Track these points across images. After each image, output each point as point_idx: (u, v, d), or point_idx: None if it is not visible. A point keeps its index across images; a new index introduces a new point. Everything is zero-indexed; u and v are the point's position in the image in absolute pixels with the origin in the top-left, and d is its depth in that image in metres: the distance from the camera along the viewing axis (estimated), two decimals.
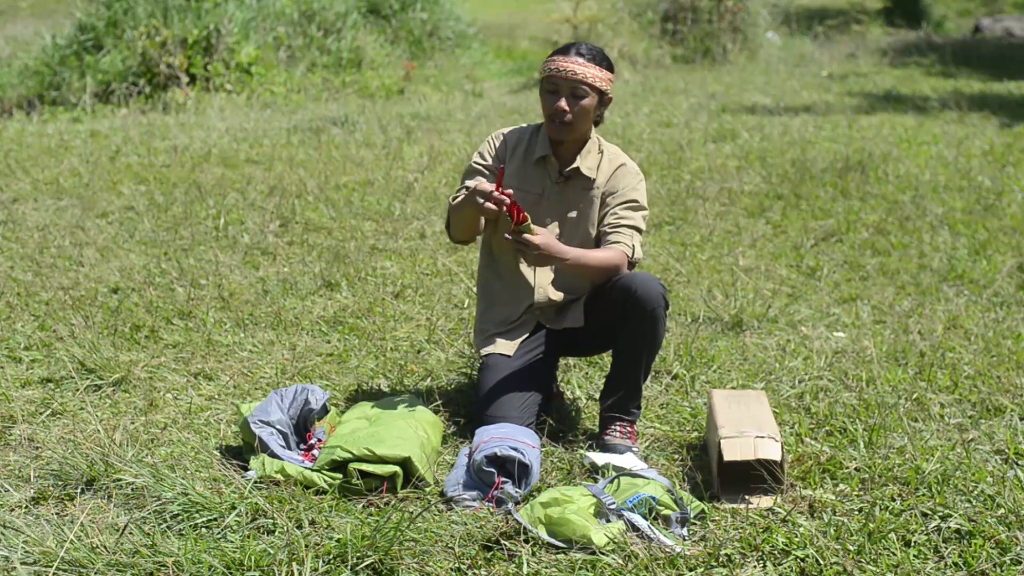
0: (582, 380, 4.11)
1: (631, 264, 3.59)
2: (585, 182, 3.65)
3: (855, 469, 3.32)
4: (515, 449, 3.17)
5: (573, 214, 3.65)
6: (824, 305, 5.10)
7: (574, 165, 3.64)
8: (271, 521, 2.92)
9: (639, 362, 3.52)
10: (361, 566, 2.71)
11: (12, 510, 3.00)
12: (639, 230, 3.63)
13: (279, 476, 3.17)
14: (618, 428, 3.53)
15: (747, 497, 3.16)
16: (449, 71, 13.84)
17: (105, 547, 2.73)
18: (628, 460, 3.37)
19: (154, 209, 6.53)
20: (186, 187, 7.07)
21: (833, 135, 9.32)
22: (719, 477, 3.22)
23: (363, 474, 3.14)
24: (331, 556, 2.74)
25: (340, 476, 3.17)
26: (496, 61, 15.81)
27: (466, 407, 3.78)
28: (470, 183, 3.64)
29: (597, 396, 3.82)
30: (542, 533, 2.85)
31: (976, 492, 3.13)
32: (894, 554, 2.83)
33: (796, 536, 2.89)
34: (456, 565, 2.77)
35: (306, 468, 3.20)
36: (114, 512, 2.97)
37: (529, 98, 11.85)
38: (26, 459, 3.33)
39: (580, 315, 3.67)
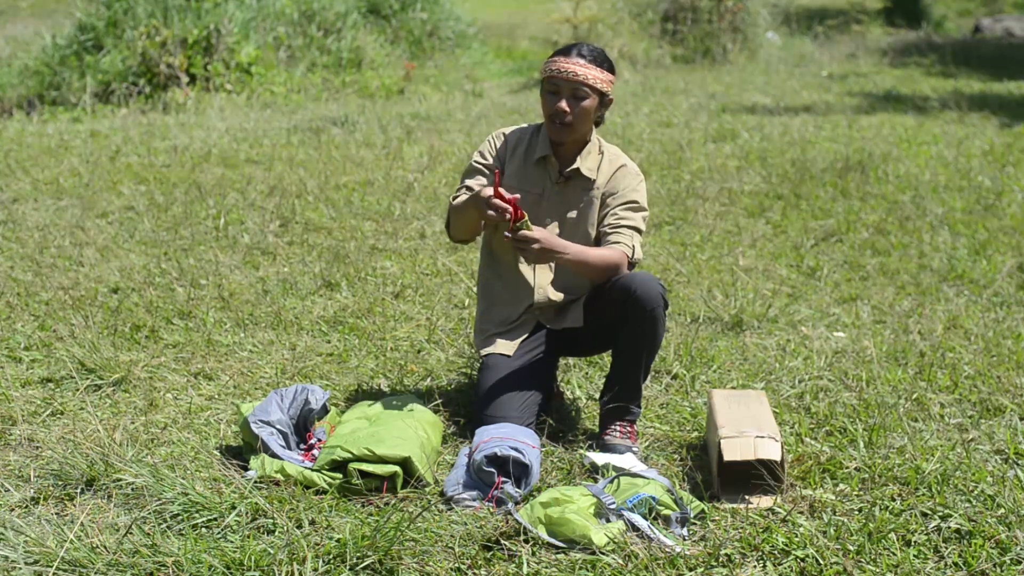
0: (582, 380, 4.12)
1: (631, 264, 3.59)
2: (585, 183, 3.65)
3: (855, 469, 3.32)
4: (515, 449, 3.17)
5: (573, 214, 3.65)
6: (824, 305, 5.10)
7: (574, 166, 3.64)
8: (271, 521, 2.92)
9: (639, 362, 3.52)
10: (361, 566, 2.71)
11: (12, 510, 3.00)
12: (639, 231, 3.63)
13: (279, 476, 3.17)
14: (618, 428, 3.53)
15: (747, 497, 3.16)
16: (449, 71, 13.84)
17: (105, 547, 2.73)
18: (628, 460, 3.37)
19: (154, 209, 6.53)
20: (186, 187, 7.07)
21: (833, 135, 9.32)
22: (719, 477, 3.22)
23: (363, 474, 3.14)
24: (331, 556, 2.74)
25: (340, 476, 3.17)
26: (496, 61, 15.81)
27: (466, 407, 3.78)
28: (470, 183, 3.64)
29: (597, 396, 3.82)
30: (542, 533, 2.85)
31: (976, 492, 3.13)
32: (894, 554, 2.83)
33: (796, 536, 2.89)
34: (456, 565, 2.77)
35: (306, 468, 3.20)
36: (114, 512, 2.97)
37: (529, 98, 11.85)
38: (26, 459, 3.33)
39: (580, 315, 3.67)
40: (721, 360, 4.31)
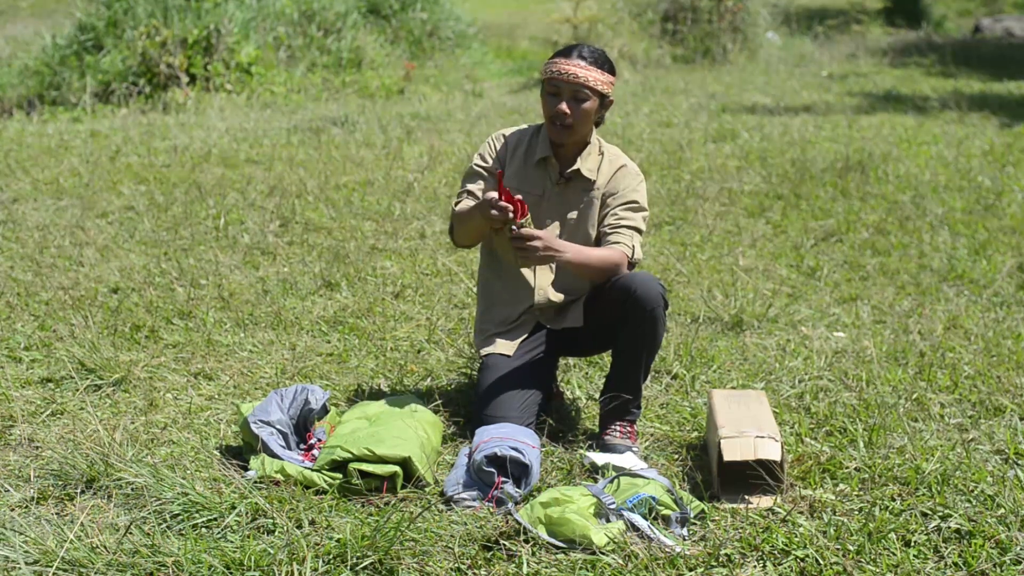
0: (582, 380, 4.12)
1: (631, 264, 3.59)
2: (585, 183, 3.65)
3: (855, 469, 3.32)
4: (515, 449, 3.17)
5: (573, 215, 3.65)
6: (824, 305, 5.10)
7: (575, 167, 3.64)
8: (271, 521, 2.92)
9: (639, 362, 3.52)
10: (361, 566, 2.71)
11: (12, 510, 3.00)
12: (639, 231, 3.63)
13: (279, 476, 3.17)
14: (618, 428, 3.53)
15: (747, 497, 3.16)
16: (449, 71, 13.84)
17: (105, 547, 2.73)
18: (628, 460, 3.37)
19: (154, 209, 6.53)
20: (186, 187, 7.07)
21: (833, 135, 9.32)
22: (719, 477, 3.22)
23: (363, 474, 3.14)
24: (331, 556, 2.74)
25: (340, 476, 3.17)
26: (496, 61, 15.81)
27: (466, 407, 3.78)
28: (471, 187, 3.64)
29: (597, 396, 3.82)
30: (542, 533, 2.85)
31: (976, 492, 3.13)
32: (894, 554, 2.83)
33: (796, 536, 2.89)
34: (456, 565, 2.77)
35: (306, 468, 3.20)
36: (114, 512, 2.97)
37: (529, 98, 11.85)
38: (26, 459, 3.33)
39: (580, 315, 3.67)
40: (721, 360, 4.31)
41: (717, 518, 3.06)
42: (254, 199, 6.77)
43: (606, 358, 4.13)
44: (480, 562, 2.77)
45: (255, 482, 3.12)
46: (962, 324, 4.81)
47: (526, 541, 2.84)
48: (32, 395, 3.83)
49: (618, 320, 3.51)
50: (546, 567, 2.77)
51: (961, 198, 7.11)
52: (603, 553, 2.79)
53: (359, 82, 12.50)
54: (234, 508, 2.95)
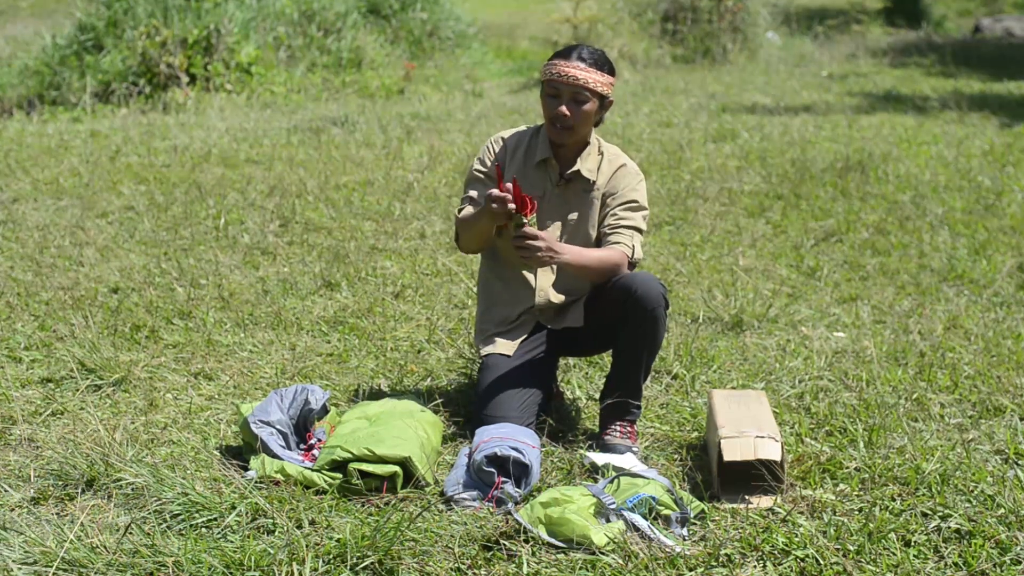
0: (582, 380, 4.11)
1: (632, 264, 3.58)
2: (585, 184, 3.65)
3: (855, 469, 3.32)
4: (515, 449, 3.17)
5: (574, 216, 3.65)
6: (824, 305, 5.10)
7: (575, 168, 3.64)
8: (271, 521, 2.92)
9: (639, 362, 3.52)
10: (361, 566, 2.71)
11: (12, 510, 3.00)
12: (639, 230, 3.63)
13: (279, 476, 3.17)
14: (618, 428, 3.53)
15: (747, 497, 3.16)
16: (449, 71, 13.84)
17: (105, 547, 2.73)
18: (628, 460, 3.37)
19: (154, 209, 6.53)
20: (186, 187, 7.07)
21: (833, 135, 9.32)
22: (719, 477, 3.22)
23: (363, 474, 3.14)
24: (331, 556, 2.74)
25: (340, 476, 3.17)
26: (496, 61, 15.80)
27: (466, 407, 3.78)
28: (473, 193, 3.64)
29: (597, 396, 3.82)
30: (542, 533, 2.85)
31: (976, 492, 3.13)
32: (894, 554, 2.83)
33: (796, 536, 2.89)
34: (456, 565, 2.77)
35: (306, 468, 3.20)
36: (114, 512, 2.97)
37: (529, 98, 11.85)
38: (26, 459, 3.33)
39: (580, 315, 3.67)
40: (721, 360, 4.31)
41: (717, 518, 3.06)
42: (254, 199, 6.77)
43: (606, 358, 4.13)
44: (480, 562, 2.77)
45: (255, 482, 3.12)
46: (962, 324, 4.81)
47: (526, 541, 2.84)
48: (32, 395, 3.83)
49: (619, 320, 3.51)
50: (546, 567, 2.77)
51: (961, 198, 7.11)
52: (603, 553, 2.79)
53: (359, 82, 12.50)
54: (234, 508, 2.95)
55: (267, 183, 7.18)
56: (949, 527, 2.96)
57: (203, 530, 2.89)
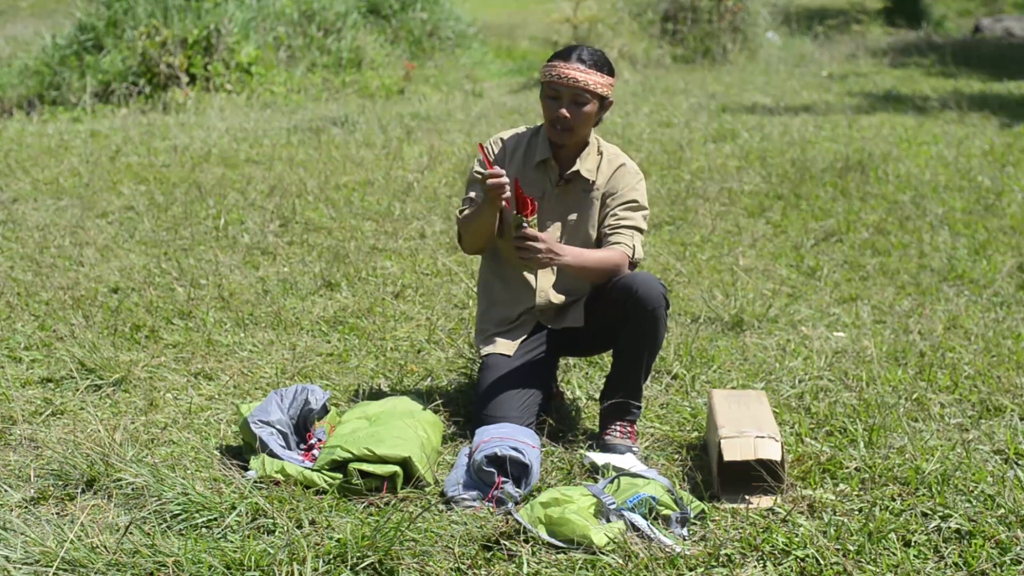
0: (582, 380, 4.11)
1: (632, 264, 3.58)
2: (585, 184, 3.65)
3: (855, 469, 3.32)
4: (515, 449, 3.17)
5: (573, 217, 3.65)
6: (824, 305, 5.10)
7: (574, 168, 3.64)
8: (271, 521, 2.92)
9: (639, 362, 3.52)
10: (361, 566, 2.71)
11: (12, 510, 3.00)
12: (640, 230, 3.63)
13: (279, 476, 3.17)
14: (618, 428, 3.53)
15: (747, 497, 3.16)
16: (449, 71, 13.84)
17: (105, 547, 2.73)
18: (628, 460, 3.37)
19: (154, 209, 6.53)
20: (186, 187, 7.07)
21: (833, 135, 9.32)
22: (719, 477, 3.22)
23: (363, 474, 3.14)
24: (331, 556, 2.74)
25: (340, 476, 3.17)
26: (496, 61, 15.80)
27: (466, 407, 3.78)
28: (473, 194, 3.64)
29: (597, 396, 3.82)
30: (542, 533, 2.85)
31: (976, 492, 3.13)
32: (894, 554, 2.83)
33: (796, 536, 2.89)
34: (456, 565, 2.77)
35: (306, 468, 3.20)
36: (114, 512, 2.97)
37: (529, 98, 11.85)
38: (26, 459, 3.33)
39: (580, 315, 3.67)
40: (721, 360, 4.31)
41: (717, 518, 3.06)
42: (254, 199, 6.77)
43: (606, 358, 4.13)
44: (480, 562, 2.77)
45: (255, 482, 3.12)
46: (962, 324, 4.81)
47: (526, 541, 2.84)
48: (32, 395, 3.83)
49: (619, 320, 3.51)
50: (546, 567, 2.77)
51: (961, 198, 7.11)
52: (603, 553, 2.79)
53: (359, 82, 12.50)
54: (234, 508, 2.95)
55: (267, 183, 7.18)
56: (949, 527, 2.96)
57: (203, 530, 2.89)
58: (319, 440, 3.40)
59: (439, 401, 3.75)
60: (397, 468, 3.16)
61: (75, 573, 2.66)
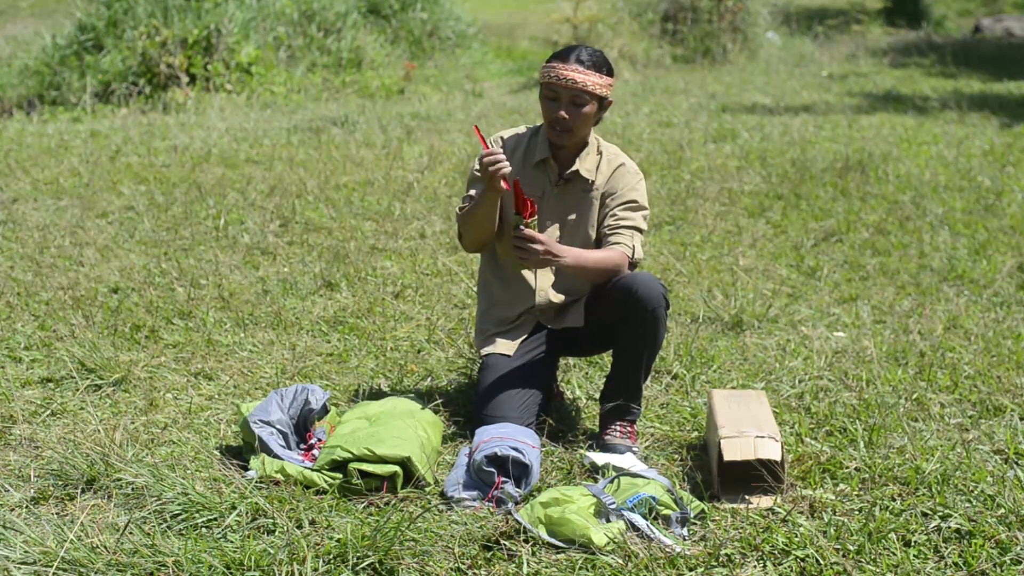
0: (582, 380, 4.11)
1: (632, 264, 3.58)
2: (584, 184, 3.65)
3: (855, 469, 3.32)
4: (515, 449, 3.17)
5: (573, 217, 3.65)
6: (824, 305, 5.10)
7: (573, 168, 3.64)
8: (271, 521, 2.92)
9: (639, 362, 3.52)
10: (361, 566, 2.71)
11: (12, 510, 3.00)
12: (639, 230, 3.63)
13: (279, 476, 3.17)
14: (618, 428, 3.53)
15: (747, 497, 3.17)
16: (449, 71, 13.84)
17: (105, 547, 2.73)
18: (628, 460, 3.37)
19: (154, 209, 6.53)
20: (186, 187, 7.07)
21: (833, 135, 9.32)
22: (719, 477, 3.22)
23: (363, 474, 3.14)
24: (331, 556, 2.74)
25: (340, 476, 3.17)
26: (496, 61, 15.80)
27: (466, 407, 3.78)
28: (473, 192, 3.64)
29: (597, 396, 3.82)
30: (542, 533, 2.85)
31: (976, 492, 3.13)
32: (894, 554, 2.83)
33: (796, 536, 2.89)
34: (456, 565, 2.77)
35: (306, 468, 3.21)
36: (114, 512, 2.97)
37: (529, 98, 11.85)
38: (26, 459, 3.33)
39: (580, 315, 3.67)
40: (721, 360, 4.31)
41: (717, 518, 3.06)
42: (254, 199, 6.77)
43: (606, 358, 4.13)
44: (480, 562, 2.78)
45: (255, 482, 3.12)
46: (962, 324, 4.81)
47: (526, 541, 2.84)
48: (32, 395, 3.83)
49: (619, 320, 3.51)
50: (546, 567, 2.77)
51: (961, 198, 7.11)
52: (603, 553, 2.79)
53: (359, 82, 12.50)
54: (234, 508, 2.95)
55: (267, 183, 7.18)
56: (949, 527, 2.96)
57: (203, 530, 2.89)
58: (319, 440, 3.40)
59: (439, 401, 3.75)
60: (397, 468, 3.16)
61: (75, 573, 2.66)
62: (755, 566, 2.80)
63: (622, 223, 3.60)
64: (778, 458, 3.17)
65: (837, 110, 10.87)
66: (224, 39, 11.51)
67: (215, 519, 2.92)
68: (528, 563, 2.75)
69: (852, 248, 6.05)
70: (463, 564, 2.77)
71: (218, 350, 4.33)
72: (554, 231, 3.64)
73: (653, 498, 2.97)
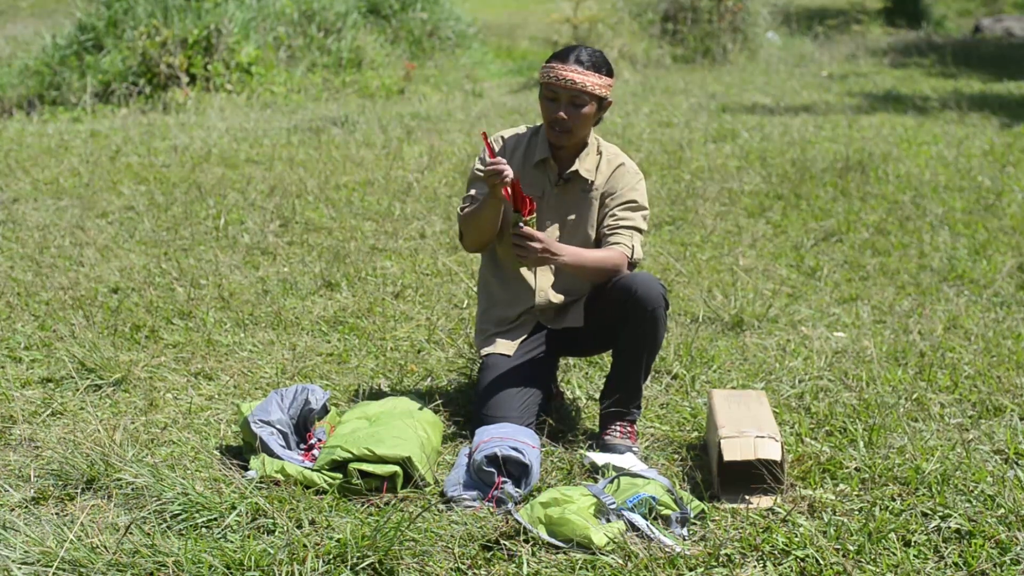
0: (582, 380, 4.11)
1: (632, 264, 3.58)
2: (584, 184, 3.65)
3: (855, 469, 3.32)
4: (515, 449, 3.17)
5: (572, 217, 3.65)
6: (824, 305, 5.10)
7: (573, 168, 3.64)
8: (271, 521, 2.92)
9: (639, 362, 3.52)
10: (361, 566, 2.72)
11: (12, 510, 3.00)
12: (639, 230, 3.63)
13: (279, 476, 3.17)
14: (618, 428, 3.53)
15: (747, 497, 3.17)
16: (449, 71, 13.84)
17: (105, 547, 2.73)
18: (628, 460, 3.37)
19: (154, 209, 6.53)
20: (186, 187, 7.07)
21: (833, 135, 9.32)
22: (719, 477, 3.22)
23: (363, 474, 3.15)
24: (331, 556, 2.74)
25: (340, 476, 3.17)
26: (496, 61, 15.80)
27: (466, 407, 3.78)
28: (474, 192, 3.64)
29: (597, 396, 3.82)
30: (542, 533, 2.85)
31: (976, 492, 3.13)
32: (894, 554, 2.83)
33: (796, 536, 2.89)
34: (456, 565, 2.77)
35: (306, 468, 3.21)
36: (114, 512, 2.97)
37: (529, 98, 11.85)
38: (26, 459, 3.33)
39: (580, 315, 3.67)
40: (721, 360, 4.31)
41: (717, 518, 3.06)
42: (254, 199, 6.77)
43: (606, 358, 4.13)
44: (480, 562, 2.78)
45: (255, 482, 3.12)
46: (962, 324, 4.81)
47: (526, 541, 2.84)
48: (32, 395, 3.83)
49: (619, 320, 3.51)
50: (546, 567, 2.77)
51: (961, 198, 7.11)
52: (603, 553, 2.79)
53: (359, 82, 12.50)
54: (234, 508, 2.95)
55: (267, 183, 7.18)
56: (949, 527, 2.96)
57: (203, 530, 2.89)
58: (319, 440, 3.40)
59: (439, 401, 3.75)
60: (397, 468, 3.16)
61: (75, 573, 2.66)
62: (755, 566, 2.80)
63: (622, 223, 3.60)
64: (778, 458, 3.17)
65: (837, 110, 10.87)
66: (224, 39, 11.51)
67: (215, 519, 2.92)
68: (528, 563, 2.75)
69: (852, 248, 6.05)
70: (463, 564, 2.77)
71: (218, 350, 4.33)
72: (554, 231, 3.64)
73: (653, 498, 2.97)
